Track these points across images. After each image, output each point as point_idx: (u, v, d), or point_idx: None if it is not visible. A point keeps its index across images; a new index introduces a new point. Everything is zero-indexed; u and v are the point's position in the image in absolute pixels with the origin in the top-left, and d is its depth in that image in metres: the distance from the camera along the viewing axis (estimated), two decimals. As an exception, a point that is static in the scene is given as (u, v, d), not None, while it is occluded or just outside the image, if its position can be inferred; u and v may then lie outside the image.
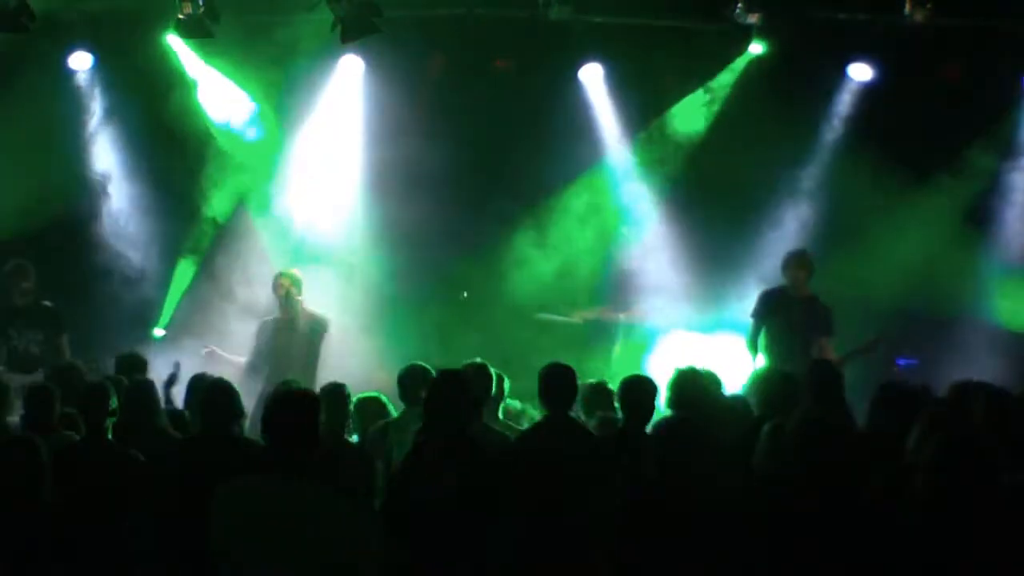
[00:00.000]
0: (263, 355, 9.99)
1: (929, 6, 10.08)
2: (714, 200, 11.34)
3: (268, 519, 4.52)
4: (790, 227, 11.43)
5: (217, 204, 11.68)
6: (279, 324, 10.10)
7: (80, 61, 11.36)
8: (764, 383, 7.05)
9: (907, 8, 10.23)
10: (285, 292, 10.01)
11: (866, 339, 9.64)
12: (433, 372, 6.93)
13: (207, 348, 10.15)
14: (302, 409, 4.68)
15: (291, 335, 9.97)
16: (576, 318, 11.55)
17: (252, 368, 9.93)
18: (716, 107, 11.58)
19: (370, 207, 11.74)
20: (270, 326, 10.13)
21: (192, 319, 11.31)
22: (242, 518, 4.57)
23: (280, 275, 10.18)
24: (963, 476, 4.80)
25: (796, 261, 9.88)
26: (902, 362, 10.70)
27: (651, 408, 6.52)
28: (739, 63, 11.29)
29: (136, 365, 7.74)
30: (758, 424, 6.29)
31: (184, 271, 11.65)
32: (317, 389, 6.90)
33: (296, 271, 10.29)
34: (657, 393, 6.58)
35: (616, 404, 6.74)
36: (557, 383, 6.47)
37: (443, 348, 10.38)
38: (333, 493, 4.63)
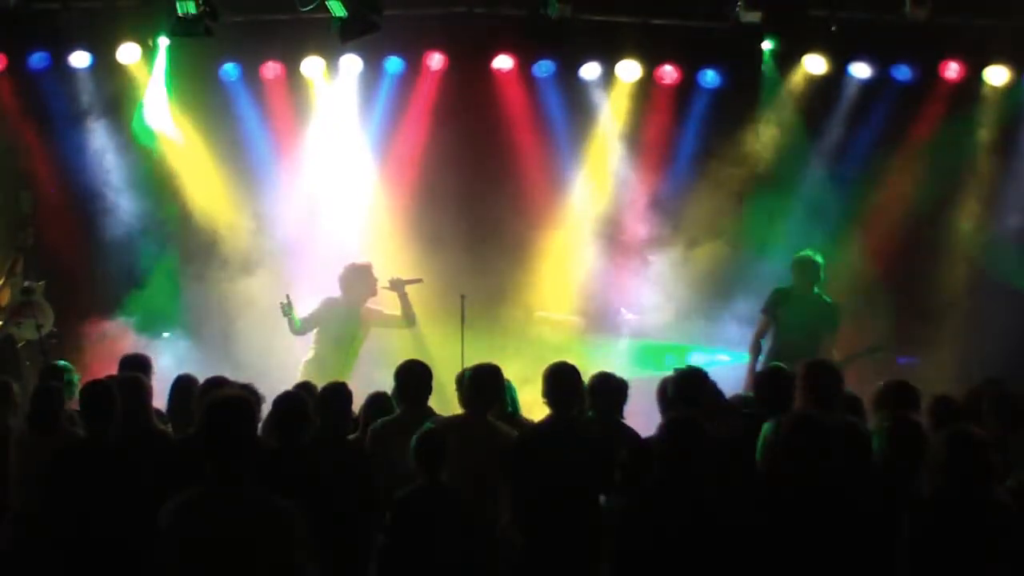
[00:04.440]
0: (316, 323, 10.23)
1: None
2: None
3: (211, 538, 4.47)
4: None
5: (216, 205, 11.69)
6: (341, 304, 10.28)
7: (79, 60, 11.35)
8: (763, 381, 7.06)
9: (907, 7, 10.22)
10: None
11: (868, 343, 9.66)
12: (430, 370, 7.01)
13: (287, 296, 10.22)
14: (239, 415, 4.61)
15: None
16: (575, 317, 11.52)
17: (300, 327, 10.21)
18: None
19: (369, 207, 11.76)
20: (334, 304, 10.30)
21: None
22: (186, 538, 4.51)
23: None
24: (968, 475, 4.80)
25: (798, 264, 9.92)
26: (903, 360, 10.71)
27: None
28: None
29: (138, 365, 7.70)
30: (758, 422, 6.30)
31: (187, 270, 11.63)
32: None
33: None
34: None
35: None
36: (561, 382, 6.50)
37: (442, 347, 10.41)
38: (269, 500, 4.58)
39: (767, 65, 11.27)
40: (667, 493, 5.30)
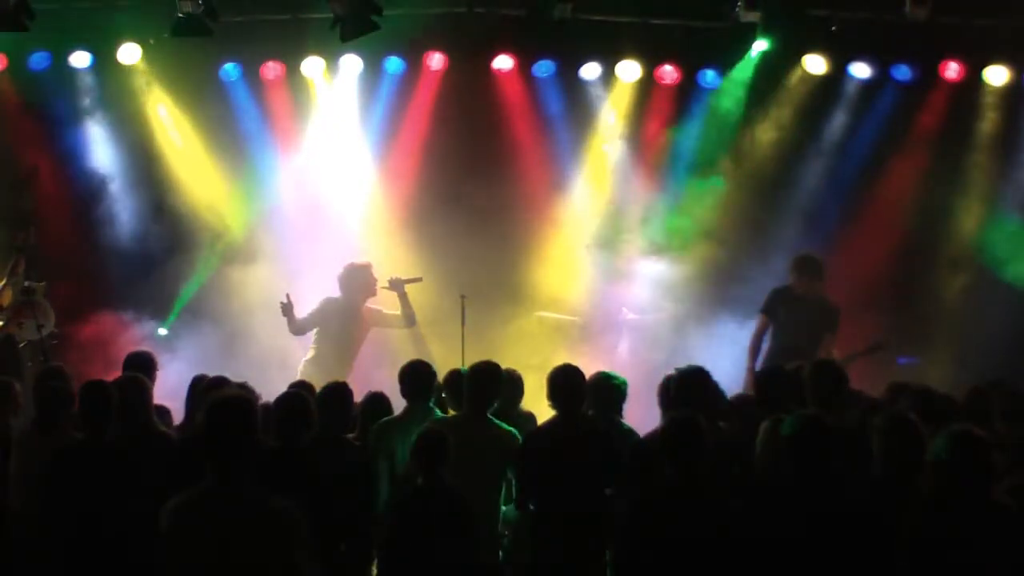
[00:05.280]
0: (315, 323, 10.22)
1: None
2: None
3: (211, 538, 4.49)
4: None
5: (217, 202, 11.70)
6: (340, 304, 10.27)
7: (79, 60, 11.36)
8: (762, 380, 7.07)
9: (907, 7, 10.22)
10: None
11: (869, 341, 9.67)
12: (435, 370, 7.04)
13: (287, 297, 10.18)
14: (239, 415, 4.61)
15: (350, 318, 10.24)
16: (576, 317, 11.51)
17: (299, 327, 10.18)
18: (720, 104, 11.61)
19: (369, 207, 11.78)
20: (334, 303, 10.28)
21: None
22: (186, 538, 4.53)
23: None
24: (970, 473, 4.80)
25: (797, 265, 9.92)
26: (903, 360, 10.71)
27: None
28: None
29: (143, 364, 7.70)
30: (757, 422, 6.31)
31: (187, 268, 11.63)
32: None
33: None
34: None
35: None
36: (566, 383, 6.51)
37: (442, 347, 10.42)
38: (270, 500, 4.59)
39: (758, 65, 11.26)
40: (668, 492, 5.31)
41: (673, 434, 5.34)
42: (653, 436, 6.05)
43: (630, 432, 6.80)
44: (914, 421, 5.44)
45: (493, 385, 6.71)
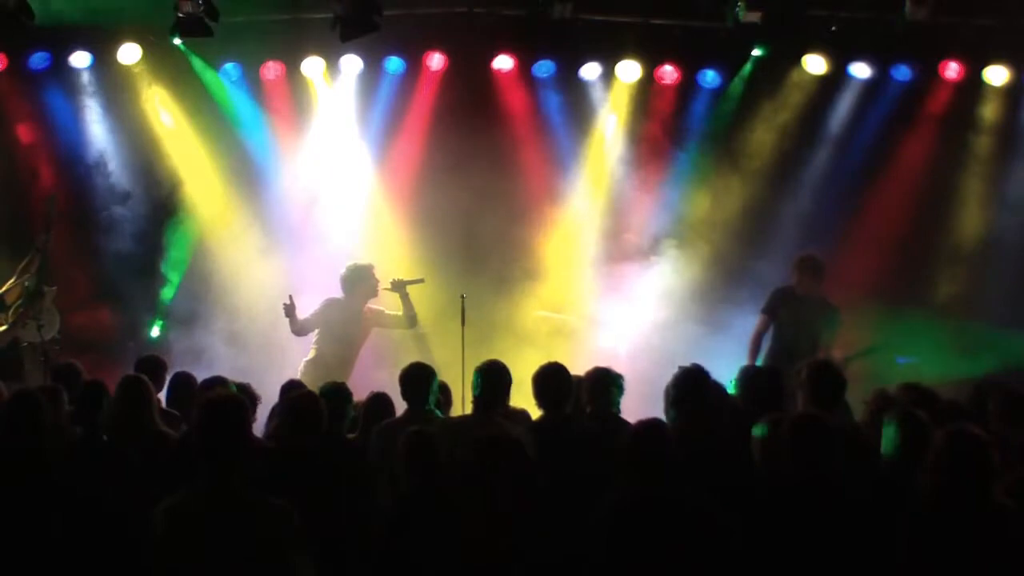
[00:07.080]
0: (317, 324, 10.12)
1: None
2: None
3: (208, 538, 4.49)
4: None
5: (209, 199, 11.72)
6: (342, 304, 10.20)
7: (80, 60, 11.37)
8: (752, 380, 7.04)
9: (907, 7, 10.23)
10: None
11: (868, 343, 9.68)
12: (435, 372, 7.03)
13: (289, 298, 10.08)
14: (231, 415, 4.61)
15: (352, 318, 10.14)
16: (575, 316, 11.52)
17: (300, 328, 10.07)
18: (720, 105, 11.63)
19: (370, 207, 11.78)
20: (335, 304, 10.21)
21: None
22: (181, 539, 4.53)
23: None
24: (969, 473, 4.80)
25: (799, 264, 9.93)
26: (903, 360, 10.71)
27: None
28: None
29: (153, 366, 7.69)
30: (747, 421, 6.29)
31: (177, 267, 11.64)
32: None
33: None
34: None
35: None
36: (551, 382, 6.48)
37: (443, 347, 10.42)
38: (266, 500, 4.58)
39: (758, 65, 11.27)
40: (646, 494, 5.27)
41: (634, 441, 5.29)
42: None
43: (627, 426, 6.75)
44: (924, 418, 5.43)
45: (501, 384, 6.66)
